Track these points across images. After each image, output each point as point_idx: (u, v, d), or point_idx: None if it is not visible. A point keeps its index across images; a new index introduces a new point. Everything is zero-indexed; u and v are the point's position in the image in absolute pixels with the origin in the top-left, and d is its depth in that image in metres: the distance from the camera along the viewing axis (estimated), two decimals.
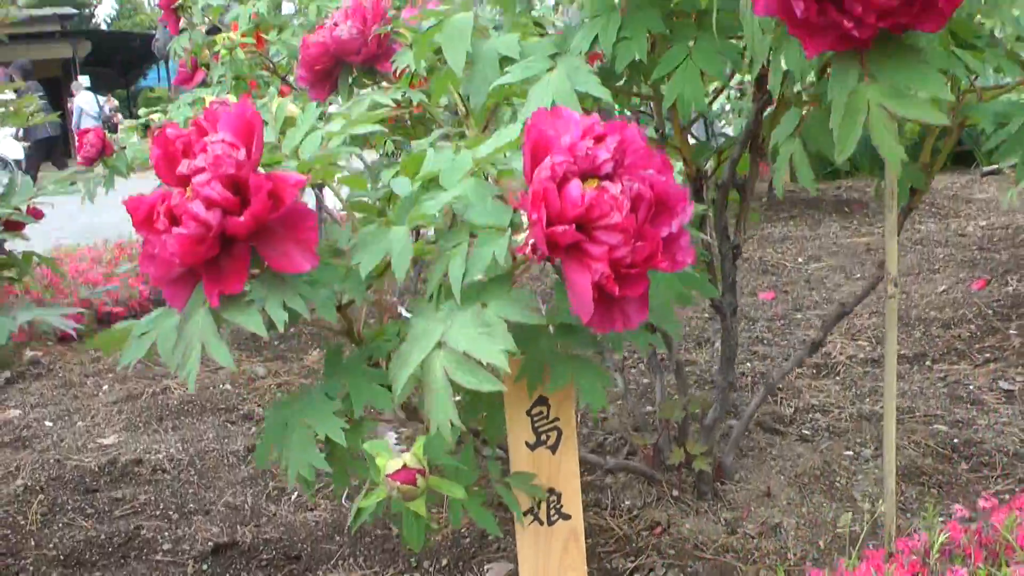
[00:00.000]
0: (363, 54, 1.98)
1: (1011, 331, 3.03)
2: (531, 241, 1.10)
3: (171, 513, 2.11)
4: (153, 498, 2.19)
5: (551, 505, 1.42)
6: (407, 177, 1.34)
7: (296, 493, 2.16)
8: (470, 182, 1.24)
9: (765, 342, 3.13)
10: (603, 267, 1.07)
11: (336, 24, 1.99)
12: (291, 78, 3.33)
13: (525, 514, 1.41)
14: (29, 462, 2.42)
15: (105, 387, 3.13)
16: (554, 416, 1.40)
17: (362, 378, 1.36)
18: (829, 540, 1.83)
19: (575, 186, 1.08)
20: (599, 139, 1.11)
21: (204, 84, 3.47)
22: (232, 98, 2.78)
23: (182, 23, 3.32)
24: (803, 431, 2.34)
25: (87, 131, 2.98)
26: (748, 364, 2.90)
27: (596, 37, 1.47)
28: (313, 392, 1.35)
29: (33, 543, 2.01)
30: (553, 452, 1.42)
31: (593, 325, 1.10)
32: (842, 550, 1.79)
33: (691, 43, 1.47)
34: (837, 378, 2.75)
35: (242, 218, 1.15)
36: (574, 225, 1.07)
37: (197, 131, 1.22)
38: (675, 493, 1.97)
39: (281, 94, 3.41)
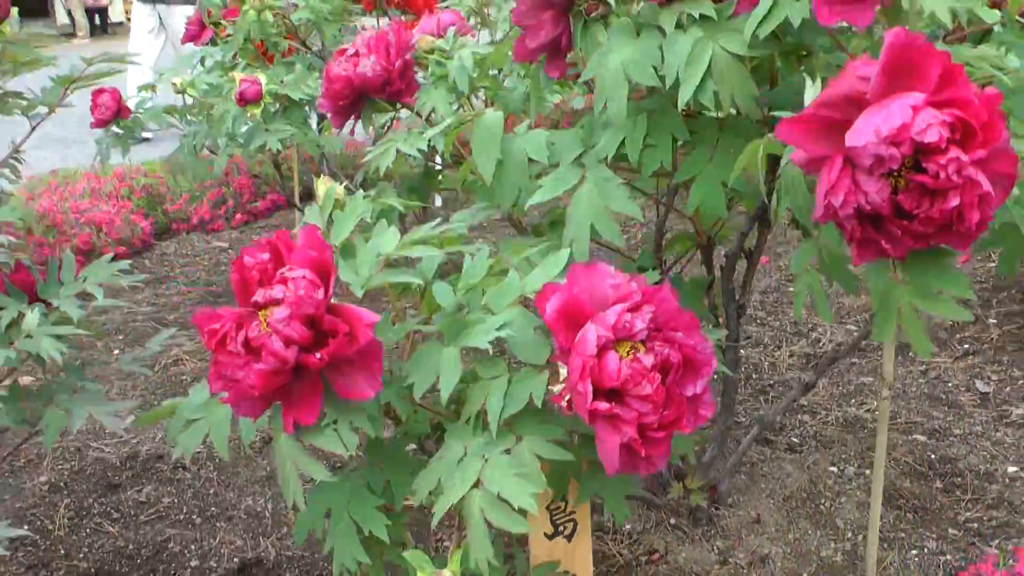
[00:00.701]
0: (387, 90, 2.03)
1: (991, 320, 3.16)
2: (567, 399, 1.21)
3: (194, 518, 2.24)
4: (176, 500, 2.30)
5: None
6: (447, 285, 1.43)
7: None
8: (516, 312, 1.33)
9: (757, 321, 3.24)
10: (632, 431, 1.18)
11: (358, 55, 2.04)
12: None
13: None
14: (49, 450, 2.51)
15: (116, 352, 3.22)
16: (571, 509, 1.52)
17: (402, 469, 1.46)
18: (813, 571, 1.98)
19: (613, 359, 1.18)
20: (635, 308, 1.21)
21: (212, 42, 3.50)
22: (261, 76, 2.81)
23: None
24: (792, 439, 2.48)
25: (102, 91, 2.98)
26: (740, 352, 3.01)
27: (623, 141, 1.54)
28: (356, 480, 1.45)
29: (63, 551, 2.12)
30: (569, 540, 1.54)
31: (619, 471, 1.21)
32: None
33: (712, 148, 1.55)
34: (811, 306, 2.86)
35: (319, 356, 1.23)
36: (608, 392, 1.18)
37: (273, 258, 1.29)
38: (672, 521, 2.11)
39: (269, 60, 3.45)
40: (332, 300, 1.28)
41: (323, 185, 1.60)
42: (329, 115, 2.13)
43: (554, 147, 1.60)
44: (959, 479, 2.30)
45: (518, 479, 1.21)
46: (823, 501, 2.20)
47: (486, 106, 2.13)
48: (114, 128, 3.11)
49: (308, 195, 4.91)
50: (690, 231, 1.94)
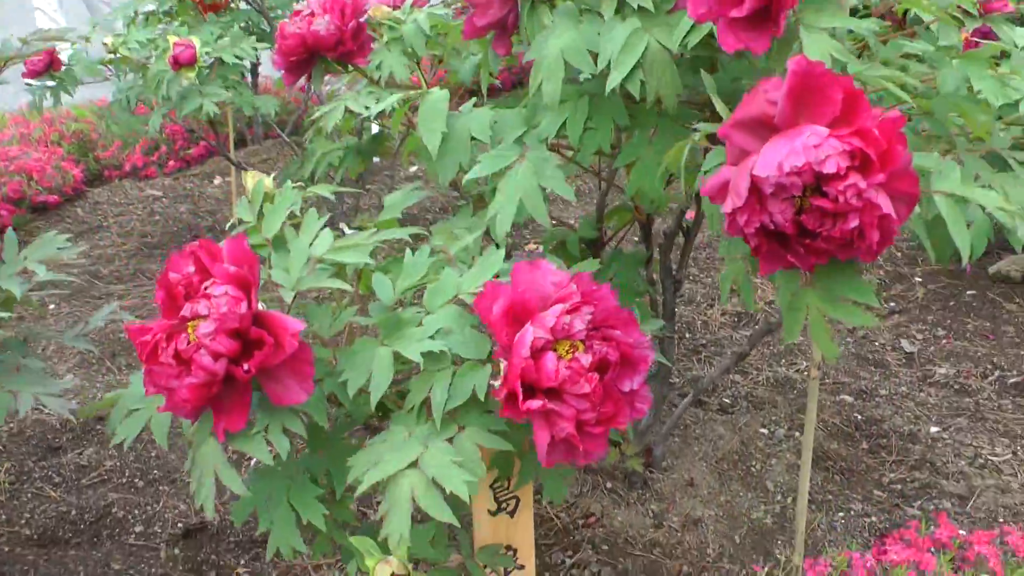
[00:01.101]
0: (339, 50, 2.04)
1: (916, 279, 3.24)
2: (505, 393, 1.25)
3: (137, 481, 2.25)
4: (118, 464, 2.32)
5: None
6: (386, 277, 1.46)
7: (254, 460, 2.31)
8: (451, 312, 1.37)
9: (690, 278, 3.30)
10: (569, 427, 1.22)
11: (313, 14, 2.04)
12: None
13: None
14: None
15: (52, 307, 3.21)
16: (514, 487, 1.56)
17: (343, 456, 1.49)
18: (744, 534, 2.05)
19: (550, 360, 1.22)
20: (575, 309, 1.25)
21: None
22: (195, 39, 2.80)
23: None
24: (724, 399, 2.54)
25: None
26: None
27: (564, 123, 1.57)
28: (296, 468, 1.48)
29: (3, 517, 2.13)
30: (512, 516, 1.59)
31: (558, 462, 1.25)
32: (756, 545, 2.01)
33: (652, 132, 1.58)
34: (756, 327, 2.94)
35: (246, 367, 1.26)
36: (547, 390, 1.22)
37: (198, 271, 1.32)
38: (608, 485, 2.16)
39: (205, 11, 3.42)
40: (260, 307, 1.30)
41: (251, 179, 1.62)
42: (282, 72, 2.13)
43: (497, 125, 1.62)
44: (884, 440, 2.38)
45: (455, 466, 1.24)
46: (754, 463, 2.27)
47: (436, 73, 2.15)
48: (47, 80, 3.08)
49: (241, 142, 4.90)
50: (629, 204, 1.98)
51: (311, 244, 1.47)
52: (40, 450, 2.39)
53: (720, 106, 1.28)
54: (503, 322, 1.26)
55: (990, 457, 2.32)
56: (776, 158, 1.09)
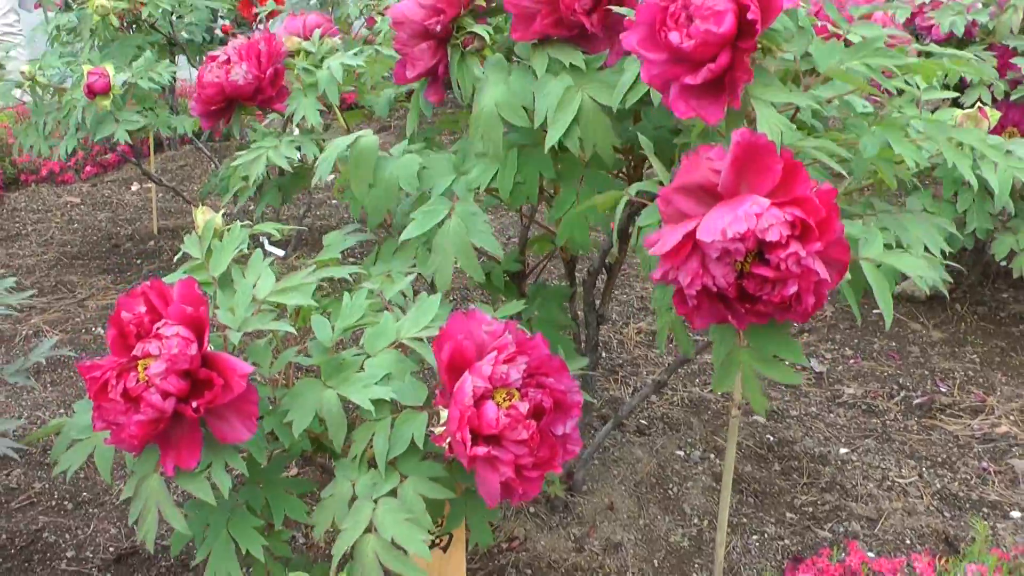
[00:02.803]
0: (258, 98, 2.10)
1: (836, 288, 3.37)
2: (448, 440, 1.33)
3: (67, 504, 2.28)
4: (47, 486, 2.34)
5: None
6: (325, 319, 1.53)
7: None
8: (392, 356, 1.45)
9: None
10: (510, 471, 1.31)
11: (230, 62, 2.10)
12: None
13: None
14: None
15: None
16: (445, 528, 1.64)
17: (280, 489, 1.56)
18: (663, 557, 2.14)
19: (491, 409, 1.30)
20: (511, 359, 1.33)
21: (67, 6, 3.48)
22: (109, 67, 2.83)
23: None
24: (641, 421, 2.64)
25: None
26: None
27: (495, 175, 1.65)
28: (235, 500, 1.54)
29: None
30: (444, 551, 1.66)
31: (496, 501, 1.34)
32: (674, 569, 2.11)
33: (579, 183, 1.67)
34: (671, 346, 3.04)
35: (195, 406, 1.33)
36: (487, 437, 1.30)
37: (148, 310, 1.38)
38: (531, 508, 2.25)
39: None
40: (208, 348, 1.37)
41: (202, 215, 1.67)
42: (200, 118, 2.18)
43: (426, 172, 1.69)
44: (796, 462, 2.50)
45: (408, 524, 1.33)
46: (671, 486, 2.36)
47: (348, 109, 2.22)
48: None
49: (159, 146, 4.91)
50: (552, 231, 2.06)
51: (255, 285, 1.54)
52: None
53: (660, 169, 1.36)
54: (448, 369, 1.34)
55: (897, 479, 2.44)
56: (720, 224, 1.17)
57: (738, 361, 1.33)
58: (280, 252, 3.55)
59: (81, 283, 3.53)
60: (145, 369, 1.33)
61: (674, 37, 1.26)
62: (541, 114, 1.52)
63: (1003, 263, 2.70)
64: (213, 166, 4.18)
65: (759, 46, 1.33)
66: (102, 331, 3.13)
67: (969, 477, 2.47)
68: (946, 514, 2.33)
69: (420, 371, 1.45)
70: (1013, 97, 2.72)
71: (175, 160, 5.02)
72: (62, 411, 2.67)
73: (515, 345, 1.34)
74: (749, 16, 1.24)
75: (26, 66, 3.00)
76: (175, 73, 3.22)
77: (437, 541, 1.65)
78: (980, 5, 2.73)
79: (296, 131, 2.64)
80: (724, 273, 1.20)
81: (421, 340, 1.45)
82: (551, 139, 1.50)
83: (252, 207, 3.34)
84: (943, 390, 2.86)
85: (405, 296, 1.64)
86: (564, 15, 1.47)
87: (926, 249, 1.56)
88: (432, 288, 1.62)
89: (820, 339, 3.14)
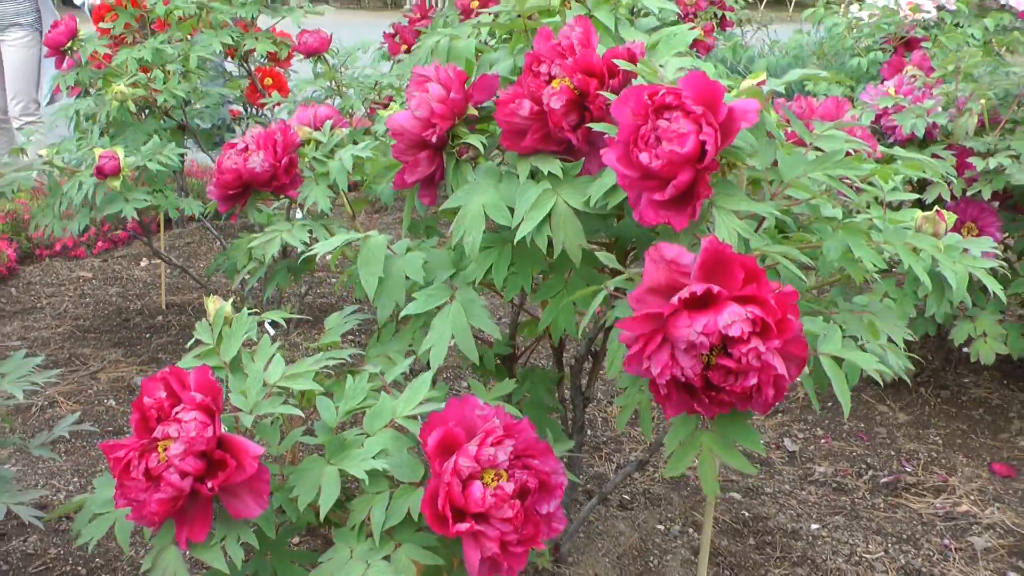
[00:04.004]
0: (273, 185, 2.20)
1: (797, 378, 3.45)
2: (436, 515, 1.41)
3: (80, 570, 2.35)
4: (62, 552, 2.41)
5: None
6: (330, 401, 1.62)
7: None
8: (389, 435, 1.54)
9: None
10: (495, 547, 1.39)
11: (248, 150, 2.20)
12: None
13: None
14: None
15: None
16: None
17: (286, 560, 1.64)
18: None
19: (477, 488, 1.39)
20: (499, 442, 1.42)
21: (85, 92, 3.61)
22: (119, 150, 2.94)
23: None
24: (623, 496, 2.72)
25: None
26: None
27: (489, 269, 1.75)
28: (245, 570, 1.61)
29: None
30: None
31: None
32: None
33: (567, 274, 1.77)
34: (654, 424, 3.12)
35: (210, 486, 1.41)
36: (475, 514, 1.39)
37: (168, 396, 1.47)
38: None
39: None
40: (223, 430, 1.46)
41: (213, 304, 1.77)
42: (217, 202, 2.28)
43: (428, 266, 1.79)
44: (769, 537, 2.57)
45: None
46: (652, 559, 2.44)
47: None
48: None
49: (167, 223, 5.01)
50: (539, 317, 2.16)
51: (265, 369, 1.63)
52: None
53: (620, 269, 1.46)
54: (435, 452, 1.43)
55: (864, 555, 2.52)
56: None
57: (698, 444, 1.43)
58: (272, 331, 3.63)
59: (93, 356, 3.61)
60: (165, 450, 1.42)
61: (644, 157, 1.37)
62: (519, 214, 1.61)
63: (963, 349, 2.79)
64: (219, 244, 4.28)
65: (723, 162, 1.45)
66: (114, 403, 3.21)
67: (932, 553, 2.55)
68: None
69: (416, 447, 1.53)
70: (970, 193, 2.83)
71: (182, 237, 5.13)
72: (76, 479, 2.74)
73: (503, 429, 1.43)
74: (704, 139, 1.35)
75: (45, 149, 3.10)
76: (183, 156, 3.32)
77: None
78: (940, 109, 2.85)
79: (300, 214, 2.74)
80: (691, 364, 1.30)
81: (415, 418, 1.54)
82: (521, 232, 1.58)
83: (259, 286, 3.43)
84: (908, 470, 2.95)
85: (406, 375, 1.74)
86: (552, 131, 1.58)
87: (891, 340, 1.66)
88: (428, 367, 1.71)
89: (793, 419, 3.23)
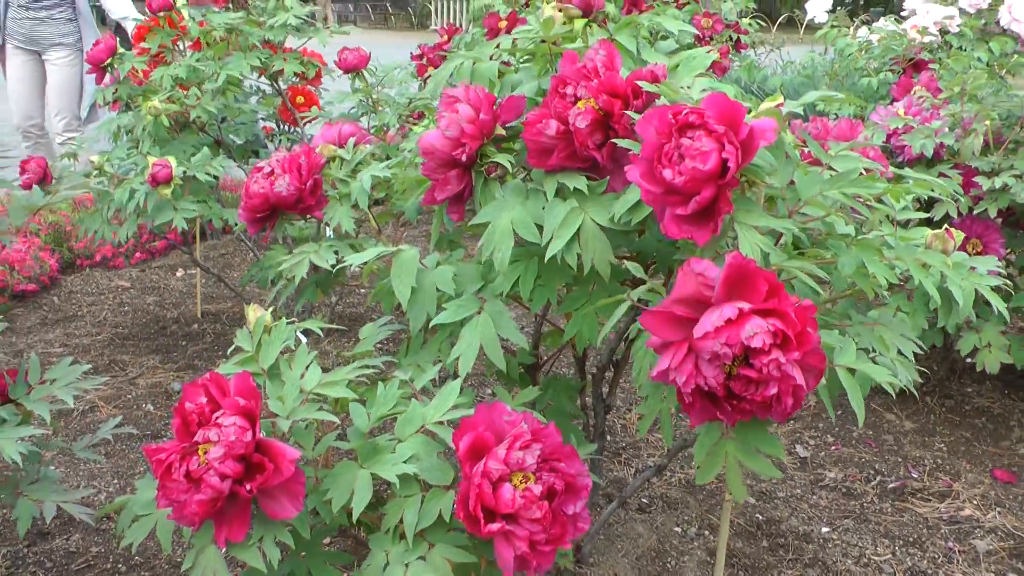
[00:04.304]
0: (299, 207, 2.21)
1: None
2: (468, 517, 1.42)
3: (120, 567, 2.37)
4: (103, 550, 2.43)
5: None
6: (362, 408, 1.63)
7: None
8: (419, 440, 1.54)
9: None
10: (524, 546, 1.39)
11: (274, 173, 2.20)
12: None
13: None
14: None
15: None
16: None
17: (321, 560, 1.64)
18: None
19: (507, 491, 1.39)
20: (527, 446, 1.42)
21: (127, 106, 3.63)
22: (171, 160, 2.95)
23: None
24: (642, 499, 2.72)
25: (30, 160, 3.05)
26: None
27: (517, 280, 1.76)
28: (281, 570, 1.62)
29: None
30: None
31: (511, 572, 1.42)
32: None
33: (590, 288, 1.77)
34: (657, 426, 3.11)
35: (248, 488, 1.42)
36: (504, 515, 1.39)
37: (209, 401, 1.48)
38: None
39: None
40: (261, 436, 1.47)
41: (253, 313, 1.78)
42: (247, 224, 2.28)
43: (458, 278, 1.79)
44: (782, 539, 2.57)
45: None
46: (669, 560, 2.44)
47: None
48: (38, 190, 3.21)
49: (201, 235, 5.03)
50: (562, 328, 2.16)
51: (302, 377, 1.64)
52: (31, 536, 2.48)
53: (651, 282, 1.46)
54: (466, 456, 1.44)
55: (872, 557, 2.51)
56: (710, 325, 1.28)
57: (723, 453, 1.43)
58: (304, 339, 3.64)
59: (132, 362, 3.63)
60: (205, 453, 1.43)
61: (667, 174, 1.37)
62: (549, 231, 1.61)
63: (968, 360, 2.79)
64: (253, 256, 4.30)
65: (743, 179, 1.45)
66: (152, 407, 3.23)
67: (937, 556, 2.54)
68: None
69: (446, 452, 1.54)
70: (976, 211, 2.83)
71: (216, 248, 5.15)
72: (115, 481, 2.76)
73: (531, 433, 1.44)
74: (725, 156, 1.35)
75: (95, 156, 3.13)
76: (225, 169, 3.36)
77: None
78: (947, 129, 2.85)
79: (330, 233, 2.75)
80: (715, 374, 1.30)
81: (443, 424, 1.55)
82: (552, 250, 1.59)
83: (290, 298, 3.44)
84: (914, 476, 2.94)
85: (435, 383, 1.74)
86: (578, 150, 1.58)
87: (900, 352, 1.66)
88: (454, 375, 1.71)
89: (805, 427, 3.22)
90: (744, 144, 1.37)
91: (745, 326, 1.26)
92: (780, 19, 9.93)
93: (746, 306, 1.28)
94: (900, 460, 3.03)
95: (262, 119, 4.46)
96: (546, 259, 1.62)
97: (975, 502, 2.81)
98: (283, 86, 4.06)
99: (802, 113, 2.33)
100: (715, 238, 1.42)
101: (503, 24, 3.87)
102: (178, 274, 4.78)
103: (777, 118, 1.47)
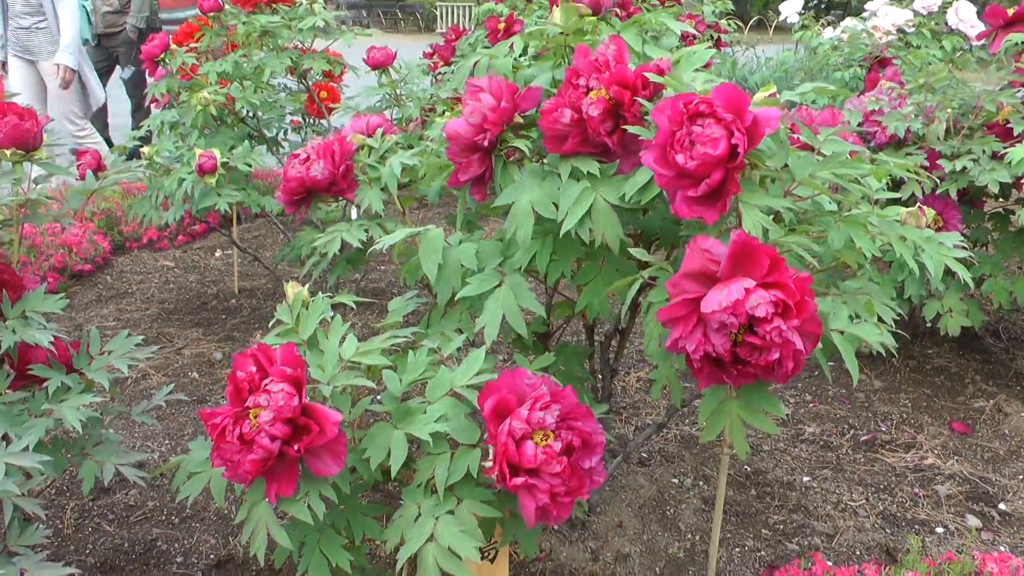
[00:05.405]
0: (332, 190, 2.16)
1: None
2: (495, 474, 1.38)
3: (174, 519, 2.33)
4: (158, 504, 2.40)
5: None
6: (395, 374, 1.59)
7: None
8: (448, 402, 1.50)
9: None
10: (545, 498, 1.36)
11: (309, 159, 2.15)
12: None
13: None
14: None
15: None
16: (494, 540, 1.69)
17: (359, 512, 1.61)
18: (663, 566, 2.18)
19: (530, 447, 1.35)
20: (546, 406, 1.39)
21: (171, 104, 3.58)
22: (216, 152, 2.91)
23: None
24: (642, 454, 2.69)
25: (84, 152, 3.00)
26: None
27: (532, 258, 1.71)
28: (323, 521, 1.59)
29: (72, 547, 2.21)
30: (492, 562, 1.71)
31: (534, 522, 1.39)
32: (673, 574, 2.15)
33: (601, 262, 1.73)
34: (666, 390, 3.09)
35: (296, 448, 1.39)
36: (527, 470, 1.36)
37: (258, 370, 1.44)
38: (555, 526, 2.29)
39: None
40: (306, 400, 1.43)
41: (292, 289, 1.74)
42: (284, 205, 2.24)
43: (480, 254, 1.75)
44: (768, 488, 2.54)
45: (463, 535, 1.38)
46: (668, 508, 2.41)
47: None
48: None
49: (238, 219, 4.98)
50: (571, 299, 2.12)
51: (340, 346, 1.60)
52: (95, 491, 2.45)
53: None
54: (491, 416, 1.40)
55: (849, 502, 2.48)
56: (720, 299, 1.24)
57: (727, 412, 1.39)
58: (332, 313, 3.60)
59: (177, 334, 3.59)
60: (256, 417, 1.39)
61: (679, 158, 1.33)
62: (563, 209, 1.58)
63: (929, 324, 2.75)
64: (284, 237, 4.25)
65: (746, 163, 1.41)
66: (197, 375, 3.19)
67: (904, 500, 2.51)
68: (887, 530, 2.37)
69: (472, 413, 1.50)
70: (938, 191, 2.79)
71: (251, 231, 5.10)
72: (167, 442, 2.72)
73: (550, 395, 1.40)
74: (735, 142, 1.31)
75: (146, 148, 3.08)
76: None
77: (486, 553, 1.70)
78: (914, 116, 2.81)
79: (355, 213, 2.70)
80: (722, 342, 1.27)
81: (471, 387, 1.51)
82: (566, 226, 1.55)
83: (321, 275, 3.40)
84: (883, 429, 2.91)
85: (460, 350, 1.70)
86: (591, 136, 1.54)
87: (880, 320, 1.62)
88: (475, 344, 1.67)
89: (785, 386, 3.18)
90: (750, 131, 1.32)
91: (750, 297, 1.23)
92: (751, 21, 9.85)
93: (751, 283, 1.25)
94: (870, 415, 3.00)
95: (288, 113, 4.40)
96: (560, 235, 1.58)
97: (936, 452, 2.78)
98: (309, 83, 4.00)
99: (798, 101, 2.28)
100: (722, 217, 1.38)
101: (502, 26, 3.83)
102: (216, 254, 4.73)
103: (776, 107, 1.43)
